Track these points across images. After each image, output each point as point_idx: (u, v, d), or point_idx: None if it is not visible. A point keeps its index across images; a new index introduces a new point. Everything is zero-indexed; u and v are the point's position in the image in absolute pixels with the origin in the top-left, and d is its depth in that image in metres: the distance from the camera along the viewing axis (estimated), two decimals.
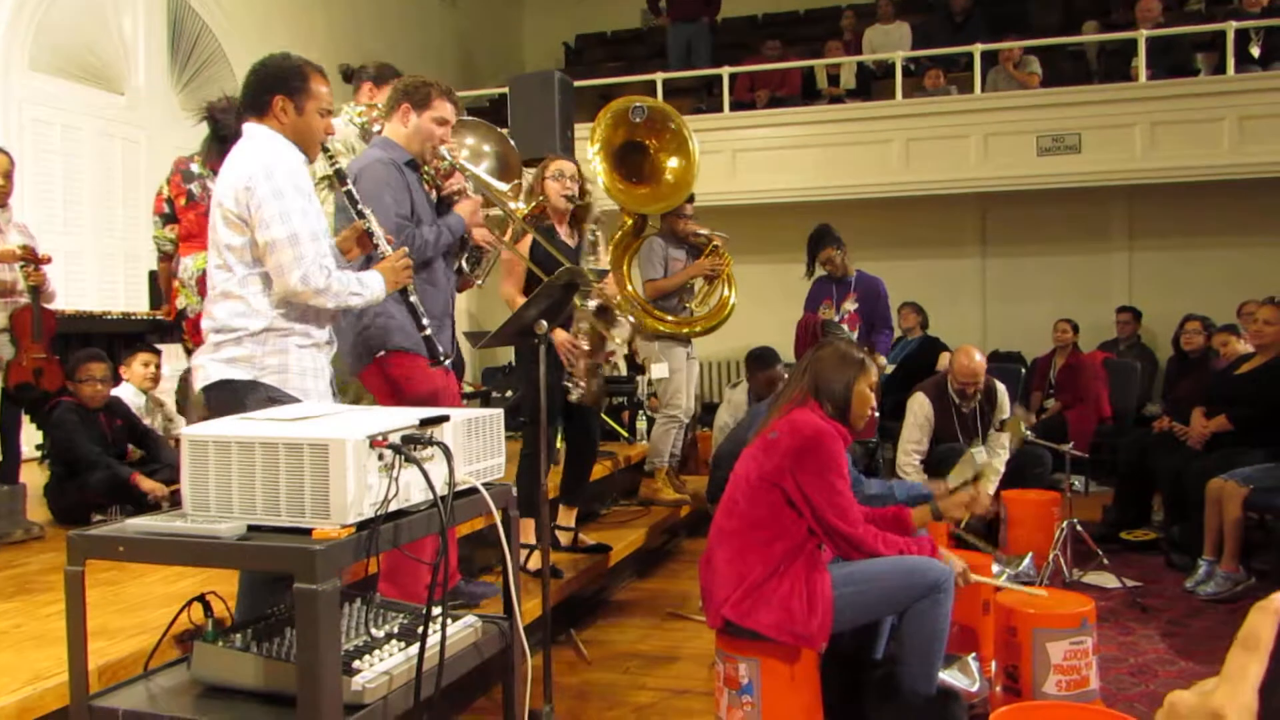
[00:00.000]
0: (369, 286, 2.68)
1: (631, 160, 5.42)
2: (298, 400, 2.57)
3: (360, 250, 2.86)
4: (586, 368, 4.15)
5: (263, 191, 2.52)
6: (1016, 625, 3.25)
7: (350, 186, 2.80)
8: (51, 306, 4.41)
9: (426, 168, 3.40)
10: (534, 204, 4.08)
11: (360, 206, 2.79)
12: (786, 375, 4.51)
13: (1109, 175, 8.44)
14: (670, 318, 5.51)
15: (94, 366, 4.54)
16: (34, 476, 4.78)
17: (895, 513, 3.22)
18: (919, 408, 5.40)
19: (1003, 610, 3.33)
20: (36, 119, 6.88)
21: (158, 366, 5.29)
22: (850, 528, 2.93)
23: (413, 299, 2.87)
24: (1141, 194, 8.98)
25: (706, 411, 6.67)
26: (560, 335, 4.08)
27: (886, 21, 10.15)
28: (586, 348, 4.12)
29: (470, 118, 4.85)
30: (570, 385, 4.16)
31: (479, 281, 4.02)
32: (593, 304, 4.07)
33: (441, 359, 2.95)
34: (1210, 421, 5.14)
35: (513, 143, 4.51)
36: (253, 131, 2.66)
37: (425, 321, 2.89)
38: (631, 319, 4.69)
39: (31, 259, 4.08)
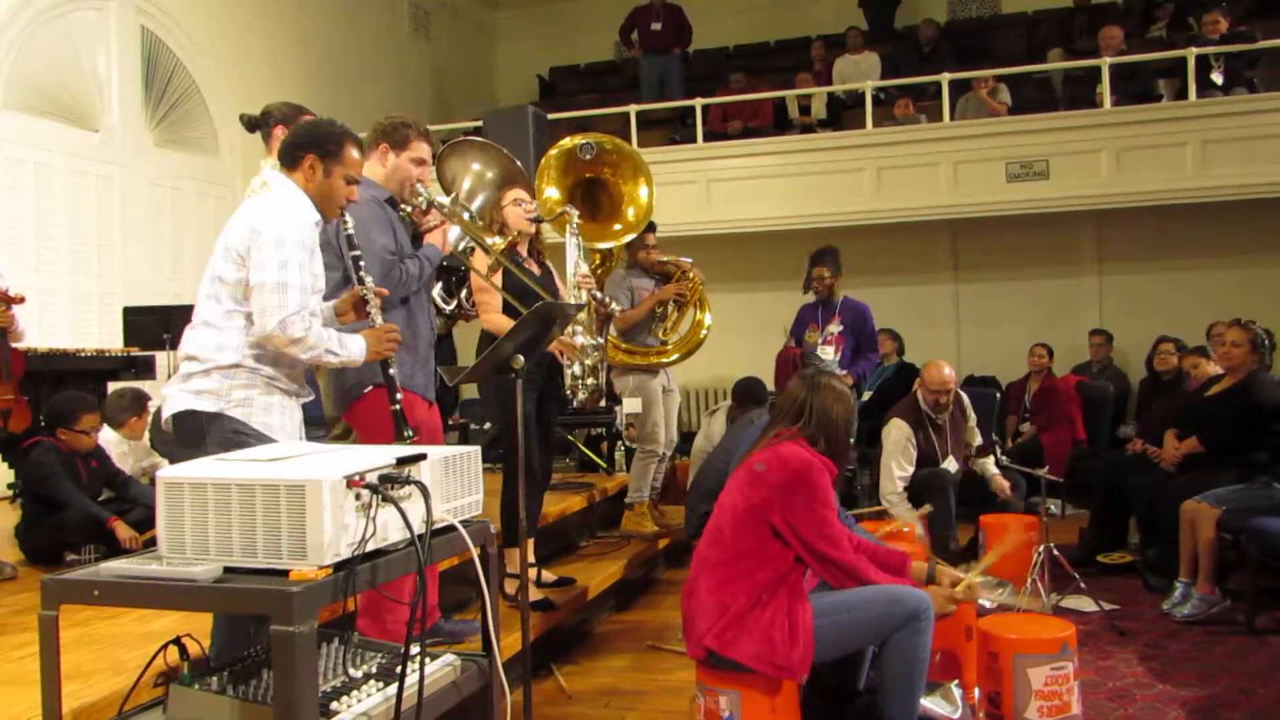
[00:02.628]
0: (348, 348, 2.74)
1: (591, 196, 5.39)
2: (262, 435, 2.60)
3: (355, 315, 2.93)
4: (593, 364, 4.05)
5: (267, 236, 2.60)
6: (998, 651, 3.27)
7: (357, 252, 2.89)
8: (23, 345, 4.37)
9: (405, 206, 3.42)
10: (510, 238, 4.05)
11: (361, 274, 2.88)
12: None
13: (1077, 200, 8.57)
14: (643, 350, 5.48)
15: (90, 417, 4.53)
16: (4, 516, 4.72)
17: (900, 560, 3.23)
18: (898, 433, 5.43)
19: (984, 636, 3.34)
20: (10, 156, 6.86)
21: (143, 416, 5.25)
22: (842, 554, 2.95)
23: (392, 371, 2.92)
24: (1109, 218, 9.12)
25: (685, 441, 6.67)
26: (558, 342, 3.98)
27: (855, 52, 10.29)
28: (591, 343, 4.02)
29: (475, 138, 4.86)
30: (578, 386, 4.06)
31: (471, 310, 4.03)
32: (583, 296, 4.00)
33: (407, 436, 2.94)
34: (1182, 444, 5.19)
35: (519, 163, 4.50)
36: (278, 183, 2.77)
37: (399, 396, 2.92)
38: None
39: (4, 299, 4.05)
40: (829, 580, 3.01)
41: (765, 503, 2.96)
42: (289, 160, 2.77)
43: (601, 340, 4.10)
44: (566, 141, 5.31)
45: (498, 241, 3.75)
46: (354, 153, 2.80)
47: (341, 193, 2.79)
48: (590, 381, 4.08)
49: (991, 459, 5.75)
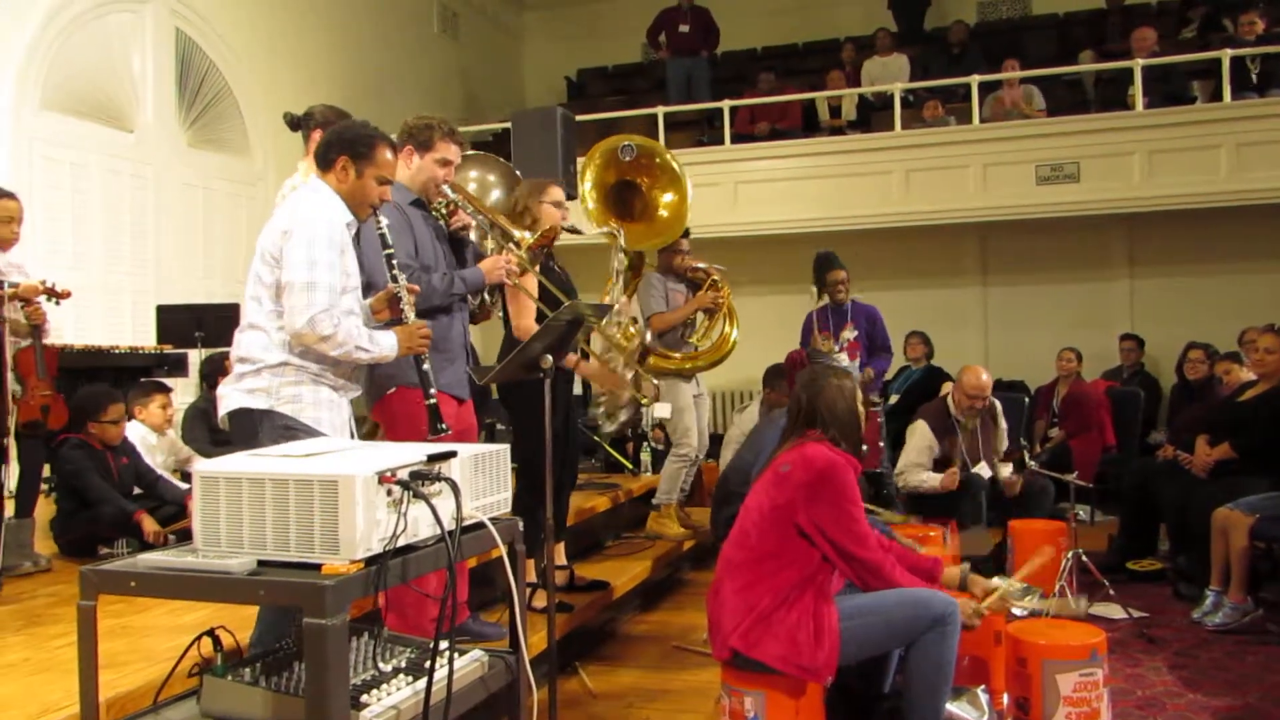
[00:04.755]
0: (380, 345, 2.79)
1: (625, 198, 5.42)
2: (312, 429, 2.68)
3: (390, 313, 2.97)
4: (628, 400, 4.07)
5: (299, 237, 2.68)
6: (1026, 656, 3.25)
7: (390, 250, 2.93)
8: (56, 341, 4.44)
9: (434, 206, 3.44)
10: (540, 235, 4.02)
11: (395, 272, 2.93)
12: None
13: (1108, 204, 8.49)
14: (675, 354, 5.49)
15: (116, 408, 4.62)
16: (40, 510, 4.79)
17: (932, 564, 3.22)
18: (920, 436, 5.44)
19: (1013, 641, 3.32)
20: (47, 156, 6.96)
21: (170, 408, 5.32)
22: (869, 553, 2.95)
23: (425, 367, 2.95)
24: (1141, 222, 9.02)
25: (713, 444, 6.68)
26: (588, 368, 4.04)
27: (885, 53, 10.25)
28: (635, 345, 4.06)
29: (477, 152, 4.90)
30: (602, 419, 4.11)
31: (498, 312, 4.04)
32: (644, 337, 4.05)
33: (442, 429, 2.96)
34: (1214, 450, 5.13)
35: (519, 173, 4.54)
36: (313, 185, 2.85)
37: (433, 391, 2.95)
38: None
39: (51, 294, 4.12)
40: (855, 581, 3.00)
41: (790, 503, 2.96)
42: (322, 162, 2.84)
43: (636, 371, 4.11)
44: (610, 140, 5.36)
45: (526, 236, 3.73)
46: (387, 154, 2.85)
47: (374, 193, 2.84)
48: (623, 415, 4.09)
49: (1010, 465, 5.69)
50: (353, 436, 2.89)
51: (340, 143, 2.82)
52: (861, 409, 3.19)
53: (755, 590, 2.93)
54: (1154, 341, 8.83)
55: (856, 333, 6.07)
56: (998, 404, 5.76)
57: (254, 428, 2.67)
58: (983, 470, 5.46)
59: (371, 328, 2.86)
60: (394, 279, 2.92)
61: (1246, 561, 4.50)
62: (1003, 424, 5.70)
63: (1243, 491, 4.69)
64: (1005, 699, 3.40)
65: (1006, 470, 5.60)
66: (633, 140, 5.36)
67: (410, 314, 2.92)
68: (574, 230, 4.18)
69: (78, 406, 4.61)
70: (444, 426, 2.97)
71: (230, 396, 2.75)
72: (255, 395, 2.70)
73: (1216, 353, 6.94)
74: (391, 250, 2.94)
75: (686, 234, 5.54)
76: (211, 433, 5.75)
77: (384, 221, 2.96)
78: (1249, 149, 8.09)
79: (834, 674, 2.89)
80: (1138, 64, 8.42)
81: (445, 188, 3.41)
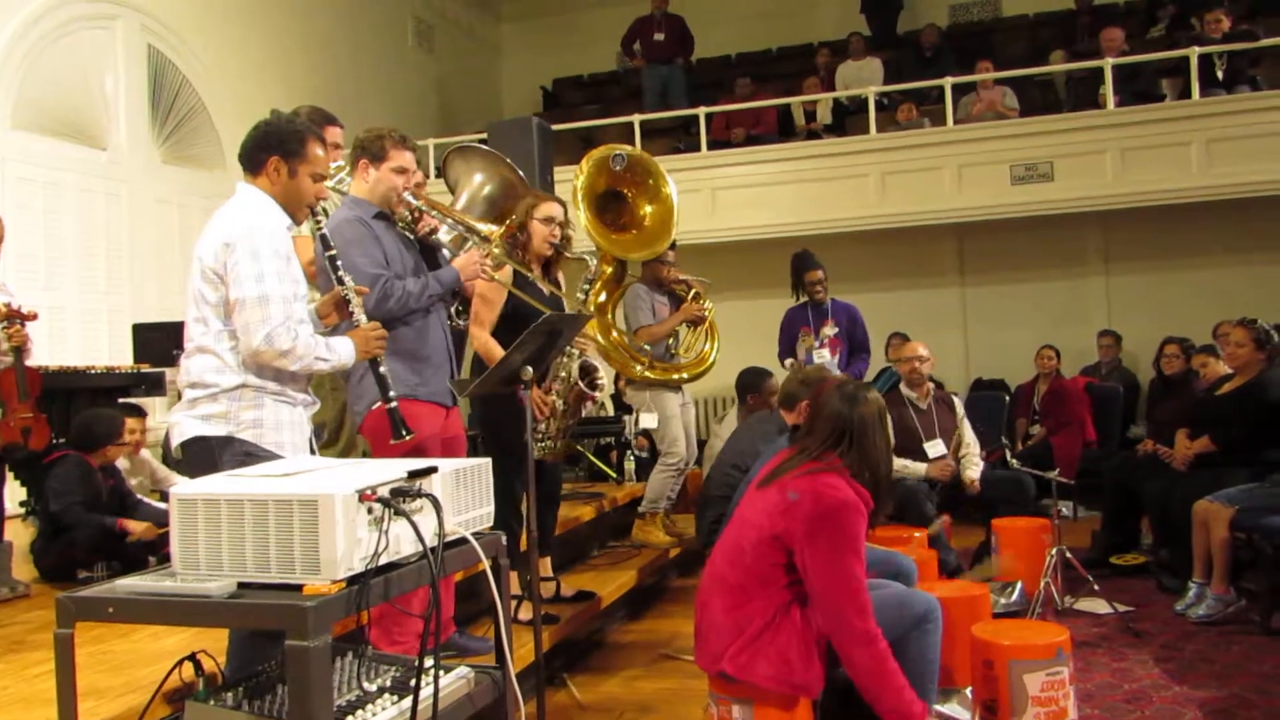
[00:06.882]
0: (337, 352, 2.70)
1: (611, 207, 5.42)
2: (274, 455, 2.57)
3: (339, 316, 2.89)
4: (559, 428, 3.97)
5: (241, 250, 2.55)
6: (993, 658, 3.23)
7: (333, 252, 2.84)
8: (33, 364, 4.40)
9: (398, 216, 3.41)
10: (504, 228, 3.96)
11: (340, 274, 2.83)
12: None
13: (1082, 202, 8.56)
14: (657, 365, 5.50)
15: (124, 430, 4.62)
16: (19, 534, 4.74)
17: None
18: None
19: (979, 643, 3.30)
20: (19, 176, 6.90)
21: (143, 431, 5.24)
22: (862, 622, 2.76)
23: (382, 369, 2.88)
24: (1115, 219, 9.11)
25: (698, 450, 6.68)
26: (535, 394, 3.88)
27: (858, 58, 10.31)
28: (562, 407, 3.95)
29: (479, 145, 4.87)
30: (537, 444, 3.99)
31: (462, 324, 4.01)
32: (577, 364, 3.93)
33: (405, 434, 2.90)
34: (1193, 443, 5.18)
35: (513, 165, 4.52)
36: (243, 191, 2.71)
37: (393, 394, 2.89)
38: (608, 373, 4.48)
39: (16, 316, 4.07)
40: (829, 635, 2.84)
41: (788, 533, 2.86)
42: (251, 165, 2.69)
43: (571, 422, 4.03)
44: (602, 149, 5.37)
45: (494, 229, 3.70)
46: (318, 149, 2.72)
47: (309, 191, 2.71)
48: (549, 444, 3.99)
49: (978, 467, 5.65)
50: (313, 451, 2.81)
51: (269, 143, 2.66)
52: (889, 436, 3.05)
53: (746, 610, 2.88)
54: (1131, 337, 8.90)
55: (837, 329, 6.10)
56: (956, 398, 5.81)
57: (212, 456, 2.54)
58: (936, 449, 5.45)
59: (321, 333, 2.77)
60: (340, 281, 2.83)
61: (1228, 553, 4.53)
62: (960, 410, 5.68)
63: (1222, 484, 4.72)
64: (969, 695, 3.40)
65: (971, 473, 5.51)
66: (624, 150, 5.37)
67: (361, 316, 2.83)
68: (559, 250, 4.11)
69: (88, 430, 4.53)
70: (408, 432, 2.90)
71: (184, 424, 2.60)
72: (212, 422, 2.56)
73: (1192, 347, 6.98)
74: (335, 252, 2.87)
75: (673, 245, 5.54)
76: None
77: (323, 220, 2.87)
78: (1218, 144, 8.18)
79: (824, 685, 2.88)
80: (1108, 63, 8.50)
81: (407, 195, 3.39)
